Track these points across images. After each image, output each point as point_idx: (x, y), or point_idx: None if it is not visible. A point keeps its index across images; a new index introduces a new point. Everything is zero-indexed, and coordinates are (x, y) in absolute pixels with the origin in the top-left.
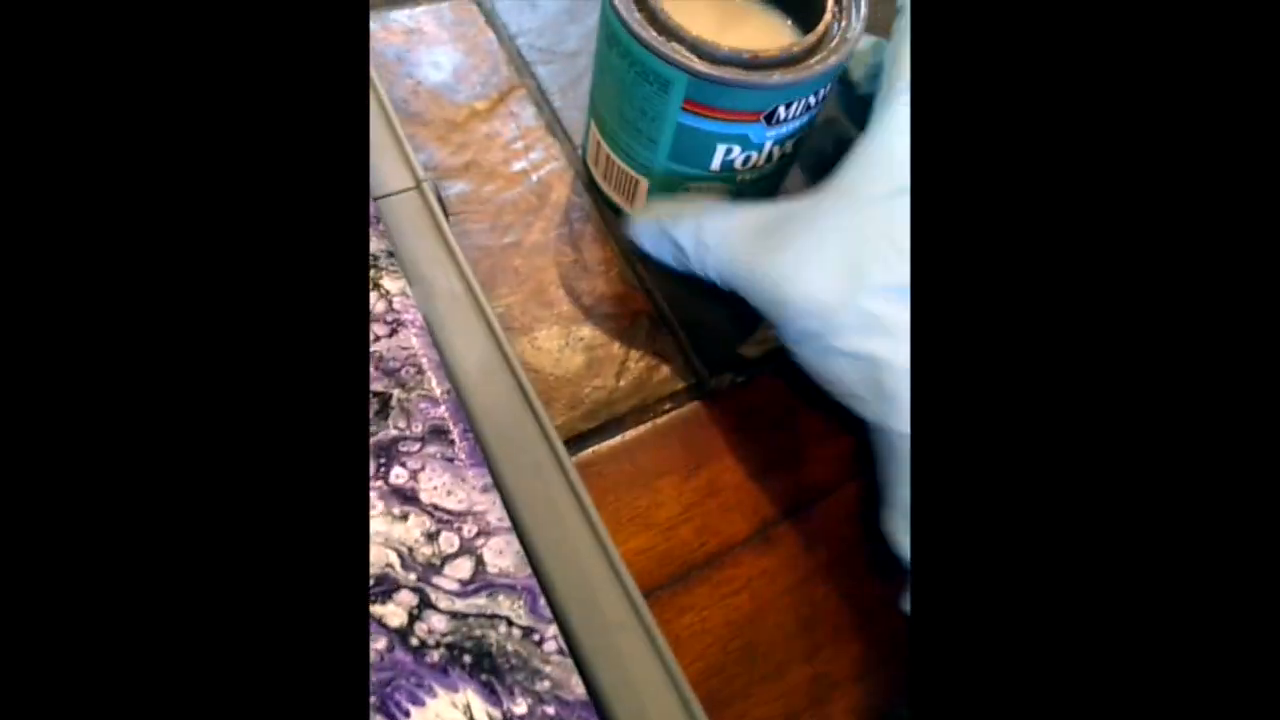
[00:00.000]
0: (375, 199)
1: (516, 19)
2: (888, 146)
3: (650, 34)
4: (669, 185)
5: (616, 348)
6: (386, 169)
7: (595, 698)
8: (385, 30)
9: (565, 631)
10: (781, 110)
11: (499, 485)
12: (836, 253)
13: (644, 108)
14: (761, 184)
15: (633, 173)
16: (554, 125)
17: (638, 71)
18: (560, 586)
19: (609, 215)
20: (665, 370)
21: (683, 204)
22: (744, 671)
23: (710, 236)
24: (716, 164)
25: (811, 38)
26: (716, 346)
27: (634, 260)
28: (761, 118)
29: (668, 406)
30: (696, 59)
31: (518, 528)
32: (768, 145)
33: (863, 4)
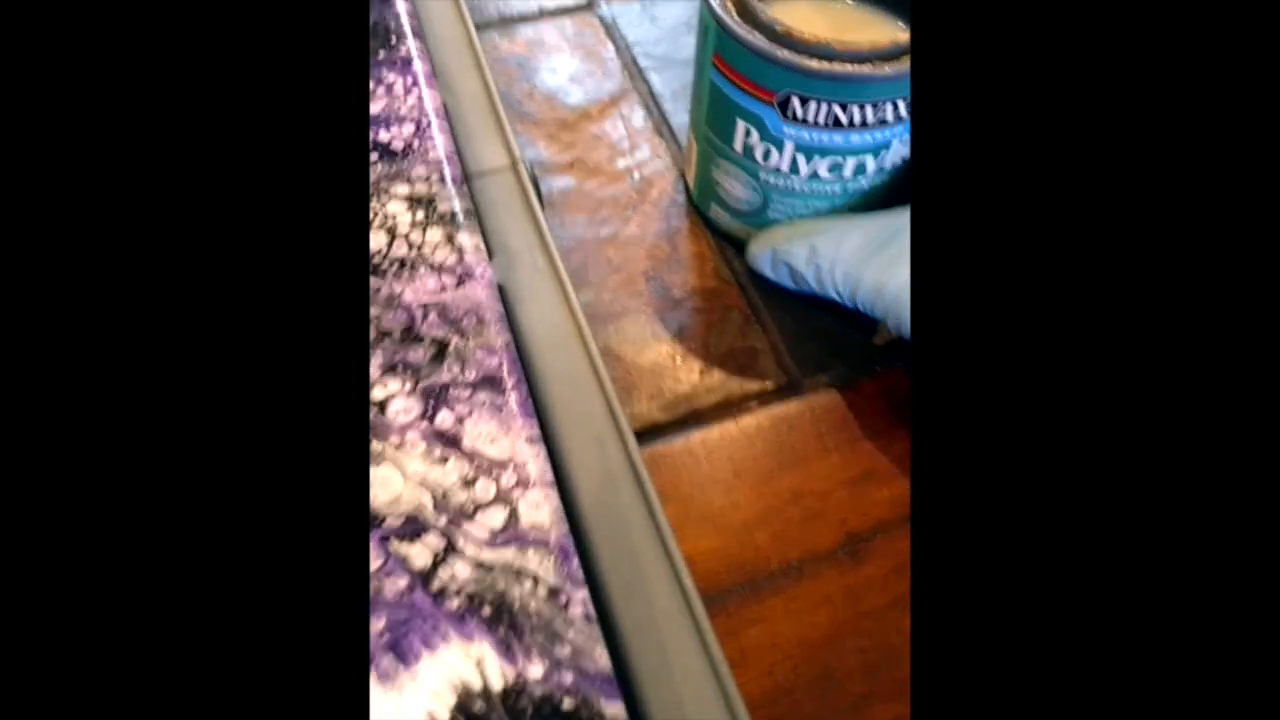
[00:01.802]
0: (470, 175)
1: (636, 30)
2: None
3: None
4: (706, 156)
5: (704, 341)
6: (485, 149)
7: (623, 676)
8: (510, 41)
9: (600, 601)
10: (797, 104)
11: (553, 450)
12: None
13: (697, 57)
14: (790, 199)
15: (691, 134)
16: (662, 127)
17: (700, 18)
18: (604, 556)
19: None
20: (754, 368)
21: (795, 227)
22: (815, 700)
23: (825, 258)
24: (738, 144)
25: (865, 45)
26: (812, 346)
27: (730, 256)
28: (775, 101)
29: (753, 405)
30: (732, 10)
31: (565, 492)
32: (788, 146)
33: None
